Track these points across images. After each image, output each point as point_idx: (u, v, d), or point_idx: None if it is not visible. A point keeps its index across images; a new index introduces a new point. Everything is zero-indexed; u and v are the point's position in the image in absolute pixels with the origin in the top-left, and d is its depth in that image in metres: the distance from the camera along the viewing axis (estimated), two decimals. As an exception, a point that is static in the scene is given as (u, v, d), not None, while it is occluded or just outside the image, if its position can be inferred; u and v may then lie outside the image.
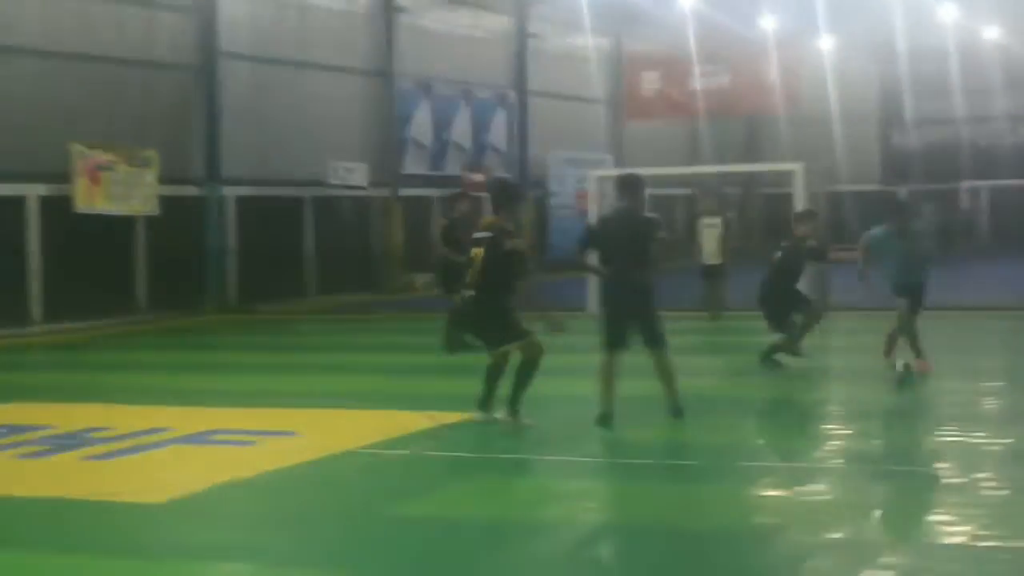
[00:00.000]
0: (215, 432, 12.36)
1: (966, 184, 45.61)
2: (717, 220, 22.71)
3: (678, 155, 43.33)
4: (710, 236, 22.61)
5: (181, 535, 8.67)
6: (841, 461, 10.58)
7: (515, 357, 11.80)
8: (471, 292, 11.78)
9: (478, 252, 11.68)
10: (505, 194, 12.13)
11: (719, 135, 44.54)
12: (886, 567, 7.34)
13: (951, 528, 8.22)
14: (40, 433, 12.61)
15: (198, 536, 8.63)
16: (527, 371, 11.70)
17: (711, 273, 22.60)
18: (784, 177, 26.71)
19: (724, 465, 10.26)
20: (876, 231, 14.76)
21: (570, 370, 13.79)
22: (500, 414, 11.84)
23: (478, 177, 36.73)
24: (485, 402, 12.02)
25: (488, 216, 12.06)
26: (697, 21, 37.31)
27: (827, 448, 11.06)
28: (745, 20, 38.93)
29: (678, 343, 19.89)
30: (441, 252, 18.24)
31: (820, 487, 9.59)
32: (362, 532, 8.66)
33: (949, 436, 11.27)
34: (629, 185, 11.85)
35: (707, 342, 20.42)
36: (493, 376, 11.96)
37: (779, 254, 15.48)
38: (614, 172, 36.86)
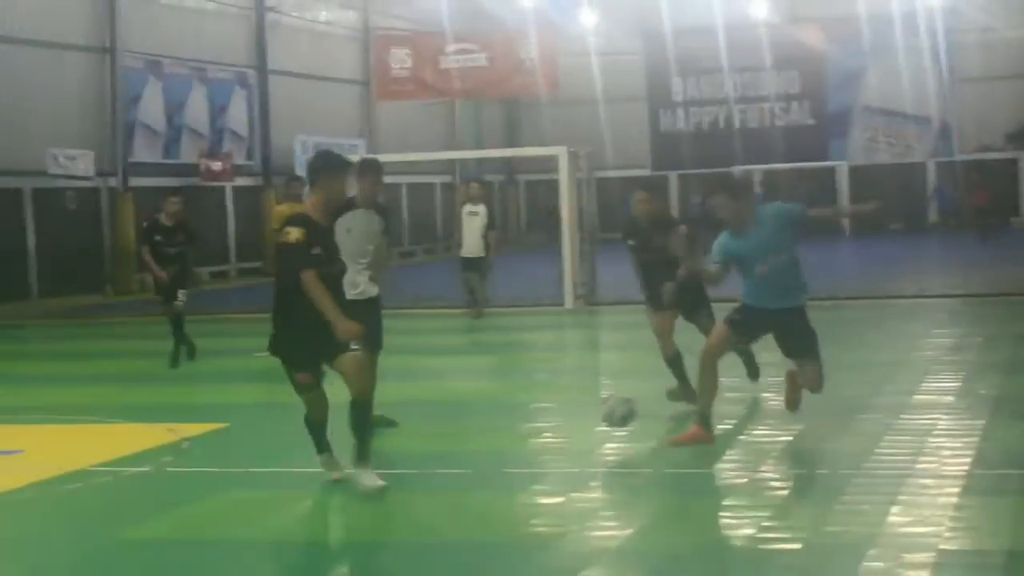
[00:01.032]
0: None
1: (737, 169, 46.99)
2: (479, 208, 22.88)
3: (436, 139, 43.68)
4: (471, 226, 22.78)
5: None
6: (616, 467, 10.86)
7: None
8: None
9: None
10: (313, 168, 10.04)
11: (478, 118, 45.07)
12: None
13: (736, 530, 8.56)
14: None
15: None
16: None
17: (472, 267, 22.76)
18: (548, 162, 27.23)
19: (491, 472, 10.44)
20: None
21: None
22: None
23: (217, 165, 36.39)
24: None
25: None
26: (450, -4, 37.61)
27: (601, 452, 11.32)
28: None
29: (439, 343, 20.28)
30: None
31: (594, 494, 9.84)
32: (95, 559, 8.56)
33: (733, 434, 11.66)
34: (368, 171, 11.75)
35: (471, 341, 20.69)
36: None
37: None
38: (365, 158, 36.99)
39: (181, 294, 17.51)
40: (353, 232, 11.28)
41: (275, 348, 9.79)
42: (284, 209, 15.74)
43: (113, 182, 32.87)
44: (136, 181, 33.29)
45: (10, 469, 11.23)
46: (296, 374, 9.74)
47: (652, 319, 12.97)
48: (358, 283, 11.49)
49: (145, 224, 18.98)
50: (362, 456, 9.61)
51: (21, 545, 8.92)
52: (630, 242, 13.17)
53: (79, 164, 31.39)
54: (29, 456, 11.84)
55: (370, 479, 9.56)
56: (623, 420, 10.98)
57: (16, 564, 8.48)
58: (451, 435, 12.19)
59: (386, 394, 12.30)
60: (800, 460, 10.75)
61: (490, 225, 22.74)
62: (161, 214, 17.85)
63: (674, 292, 12.47)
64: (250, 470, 10.88)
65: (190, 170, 35.54)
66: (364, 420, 9.68)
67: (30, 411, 14.40)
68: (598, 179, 26.82)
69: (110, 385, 16.60)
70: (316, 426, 9.94)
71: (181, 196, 18.24)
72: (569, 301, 23.76)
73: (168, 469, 11.09)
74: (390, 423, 12.19)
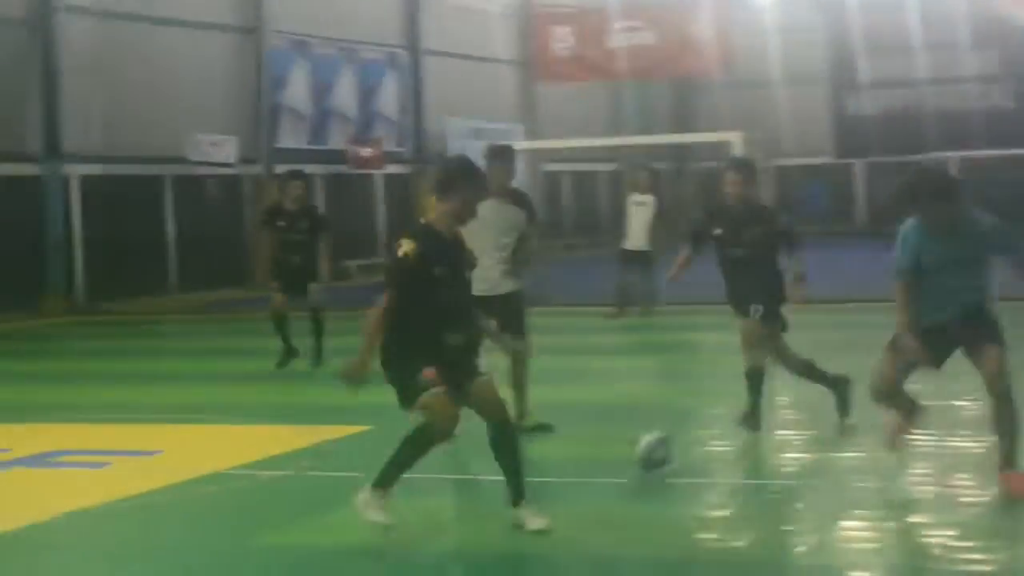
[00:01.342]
0: (61, 453, 12.33)
1: (932, 156, 46.24)
2: (647, 198, 22.83)
3: (600, 125, 43.64)
4: (638, 217, 22.74)
5: (21, 572, 8.65)
6: (791, 478, 10.77)
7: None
8: None
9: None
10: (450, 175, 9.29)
11: (645, 101, 44.91)
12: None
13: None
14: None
15: (40, 574, 8.62)
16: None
17: (634, 259, 22.67)
18: (721, 149, 27.04)
19: (652, 482, 10.42)
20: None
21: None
22: None
23: (366, 151, 36.76)
24: None
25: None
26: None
27: (774, 462, 11.22)
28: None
29: (598, 343, 20.26)
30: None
31: (765, 507, 9.78)
32: (230, 565, 8.72)
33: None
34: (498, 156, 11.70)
35: (633, 341, 20.67)
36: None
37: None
38: (525, 144, 37.12)
39: (314, 288, 17.25)
40: (486, 223, 11.05)
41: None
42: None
43: (256, 169, 33.37)
44: (281, 168, 33.67)
45: (148, 470, 11.49)
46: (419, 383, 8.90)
47: (739, 324, 12.08)
48: (489, 277, 11.48)
49: (265, 208, 19.11)
50: (522, 492, 9.01)
51: (156, 549, 9.12)
52: (716, 231, 12.13)
53: (222, 150, 31.92)
54: (167, 457, 12.12)
55: (536, 520, 8.94)
56: (660, 463, 10.45)
57: (150, 568, 8.68)
58: (609, 441, 12.18)
59: (542, 397, 12.35)
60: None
61: (658, 216, 22.69)
62: (284, 198, 17.64)
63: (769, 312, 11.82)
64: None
65: (337, 156, 35.95)
66: (517, 448, 9.08)
67: (168, 410, 14.73)
68: (776, 167, 26.59)
69: (250, 384, 16.88)
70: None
71: (303, 179, 17.97)
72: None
73: (308, 473, 11.25)
74: (546, 428, 12.23)
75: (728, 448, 11.83)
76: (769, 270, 11.88)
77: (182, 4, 31.76)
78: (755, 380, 11.83)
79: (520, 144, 29.79)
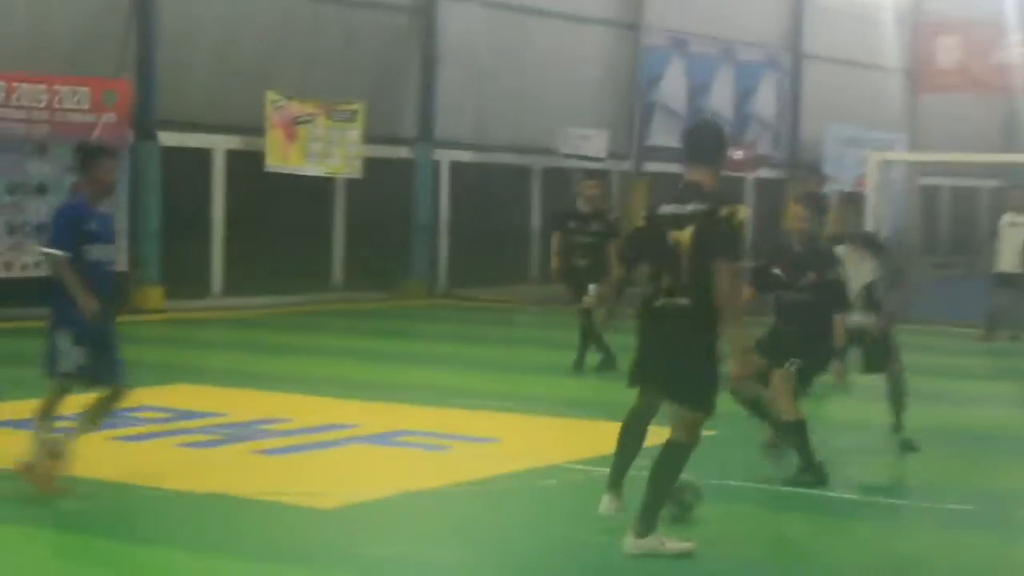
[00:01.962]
0: (404, 433, 12.68)
1: None
2: None
3: (988, 139, 42.40)
4: (1013, 238, 22.03)
5: (347, 546, 8.93)
6: None
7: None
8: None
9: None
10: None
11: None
12: None
13: None
14: (208, 421, 13.17)
15: (367, 549, 8.88)
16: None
17: (1007, 283, 21.98)
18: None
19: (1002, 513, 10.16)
20: None
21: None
22: None
23: (739, 154, 36.58)
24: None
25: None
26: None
27: None
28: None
29: (965, 366, 19.76)
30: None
31: None
32: (565, 558, 8.81)
33: None
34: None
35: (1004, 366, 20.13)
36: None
37: None
38: (904, 156, 36.40)
39: (592, 288, 17.05)
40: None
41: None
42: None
43: (625, 165, 33.59)
44: (650, 166, 33.91)
45: (482, 457, 11.71)
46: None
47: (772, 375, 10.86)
48: None
49: (558, 209, 19.15)
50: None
51: (490, 535, 9.35)
52: (775, 271, 11.17)
53: (592, 144, 32.18)
54: (504, 445, 12.31)
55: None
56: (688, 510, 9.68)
57: (474, 554, 8.87)
58: (966, 467, 11.92)
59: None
60: None
61: None
62: (578, 198, 17.88)
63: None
64: (727, 483, 10.92)
65: (710, 158, 35.79)
66: None
67: (511, 398, 15.00)
68: None
69: (589, 379, 17.08)
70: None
71: (599, 180, 18.00)
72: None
73: (643, 473, 11.24)
74: (913, 448, 12.06)
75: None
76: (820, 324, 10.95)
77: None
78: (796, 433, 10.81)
79: (898, 155, 29.26)
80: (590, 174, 18.25)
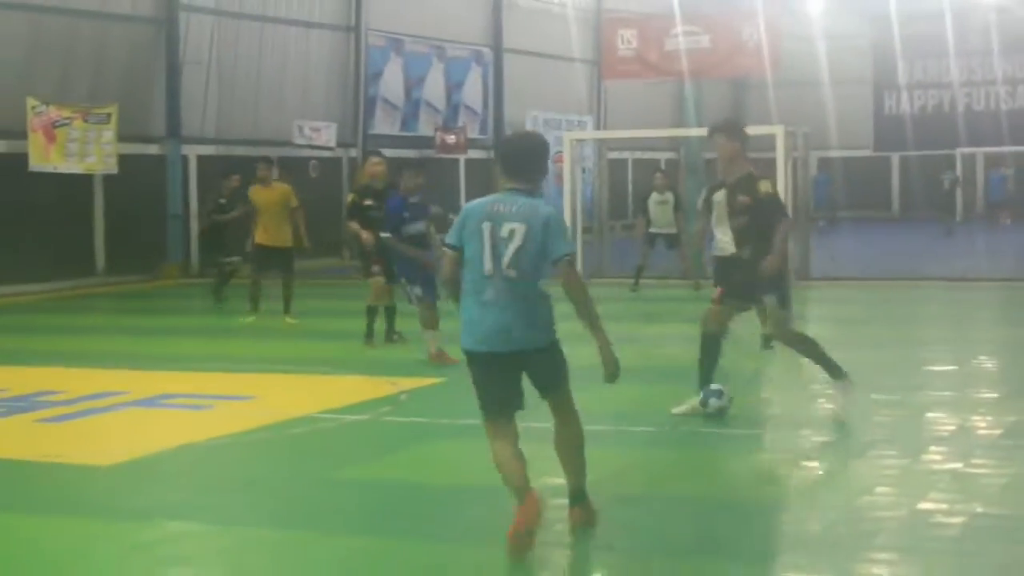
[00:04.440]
0: (170, 396, 12.66)
1: (960, 151, 46.19)
2: (667, 196, 23.42)
3: (662, 117, 43.61)
4: (661, 213, 23.33)
5: (128, 496, 8.98)
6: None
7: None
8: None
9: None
10: None
11: (704, 98, 44.74)
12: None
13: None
14: (-9, 396, 12.93)
15: (146, 498, 8.94)
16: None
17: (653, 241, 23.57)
18: (769, 142, 27.05)
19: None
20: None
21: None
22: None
23: (452, 138, 37.01)
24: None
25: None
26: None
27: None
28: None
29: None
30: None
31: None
32: (311, 495, 8.97)
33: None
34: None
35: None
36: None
37: None
38: (591, 135, 37.21)
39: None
40: None
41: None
42: None
43: (353, 152, 33.72)
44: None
45: (240, 413, 11.79)
46: None
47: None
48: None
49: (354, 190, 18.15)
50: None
51: (253, 480, 9.47)
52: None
53: (322, 135, 32.27)
54: (260, 401, 12.41)
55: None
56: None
57: (238, 496, 9.01)
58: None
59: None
60: None
61: (676, 207, 23.11)
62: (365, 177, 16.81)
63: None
64: (457, 422, 11.22)
65: (426, 142, 36.27)
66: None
67: (263, 360, 15.06)
68: (822, 158, 26.53)
69: (342, 341, 17.05)
70: None
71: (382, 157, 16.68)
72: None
73: (385, 419, 11.51)
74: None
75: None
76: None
77: (290, 5, 32.13)
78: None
79: (588, 134, 29.84)
80: (372, 152, 17.30)
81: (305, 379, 13.92)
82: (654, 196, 23.64)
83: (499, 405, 7.42)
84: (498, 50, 39.55)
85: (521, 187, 7.49)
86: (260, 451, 10.41)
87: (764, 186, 10.79)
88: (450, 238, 7.54)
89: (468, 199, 37.19)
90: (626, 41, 32.96)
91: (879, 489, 8.60)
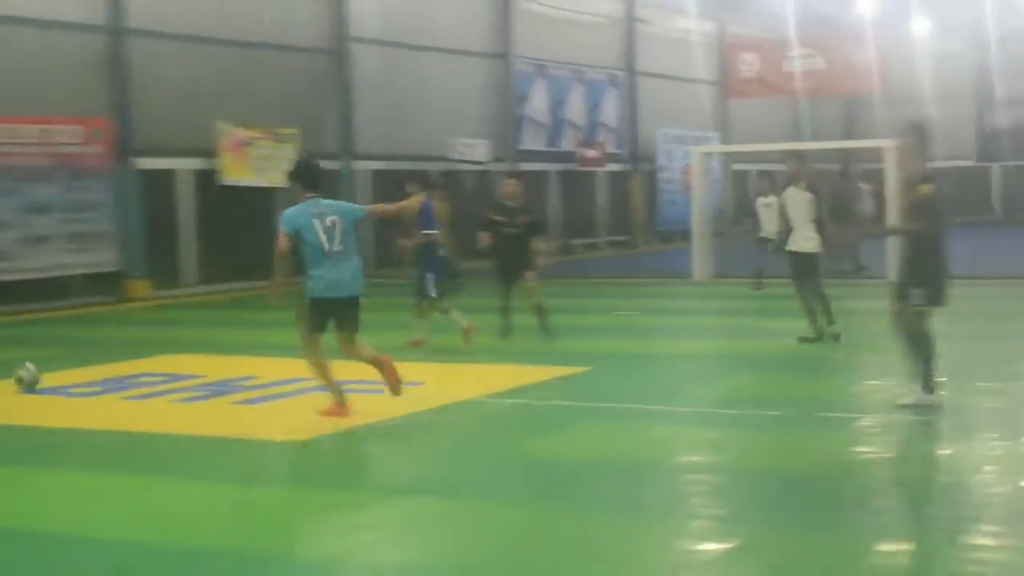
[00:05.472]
0: (351, 382, 12.80)
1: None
2: (771, 199, 22.78)
3: (781, 132, 43.21)
4: (767, 214, 22.58)
5: (322, 468, 9.23)
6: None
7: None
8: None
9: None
10: None
11: (818, 114, 44.32)
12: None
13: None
14: (194, 381, 13.27)
15: (338, 470, 9.18)
16: None
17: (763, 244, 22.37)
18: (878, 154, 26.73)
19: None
20: None
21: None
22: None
23: (592, 153, 37.11)
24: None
25: None
26: (796, 6, 37.21)
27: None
28: (842, 5, 38.70)
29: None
30: None
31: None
32: (476, 468, 9.08)
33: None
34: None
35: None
36: None
37: None
38: (717, 148, 37.01)
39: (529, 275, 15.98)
40: None
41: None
42: None
43: (504, 166, 33.93)
44: (523, 166, 34.27)
45: (413, 397, 11.94)
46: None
47: None
48: None
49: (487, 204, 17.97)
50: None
51: (425, 455, 9.62)
52: None
53: (476, 151, 32.58)
54: (429, 387, 12.53)
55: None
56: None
57: (417, 469, 9.17)
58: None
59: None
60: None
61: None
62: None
63: None
64: (600, 405, 11.28)
65: (568, 157, 36.42)
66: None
67: (432, 351, 15.20)
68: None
69: (489, 335, 17.08)
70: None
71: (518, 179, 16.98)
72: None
73: (538, 402, 11.62)
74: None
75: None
76: None
77: (447, 36, 32.59)
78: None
79: (714, 148, 29.69)
80: (509, 174, 17.57)
81: (469, 367, 14.07)
82: (760, 200, 23.17)
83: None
84: (632, 73, 39.54)
85: (319, 194, 10.68)
86: (434, 430, 10.55)
87: (924, 190, 10.14)
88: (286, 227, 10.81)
89: (607, 206, 37.28)
90: (747, 63, 32.84)
91: (986, 467, 8.52)
